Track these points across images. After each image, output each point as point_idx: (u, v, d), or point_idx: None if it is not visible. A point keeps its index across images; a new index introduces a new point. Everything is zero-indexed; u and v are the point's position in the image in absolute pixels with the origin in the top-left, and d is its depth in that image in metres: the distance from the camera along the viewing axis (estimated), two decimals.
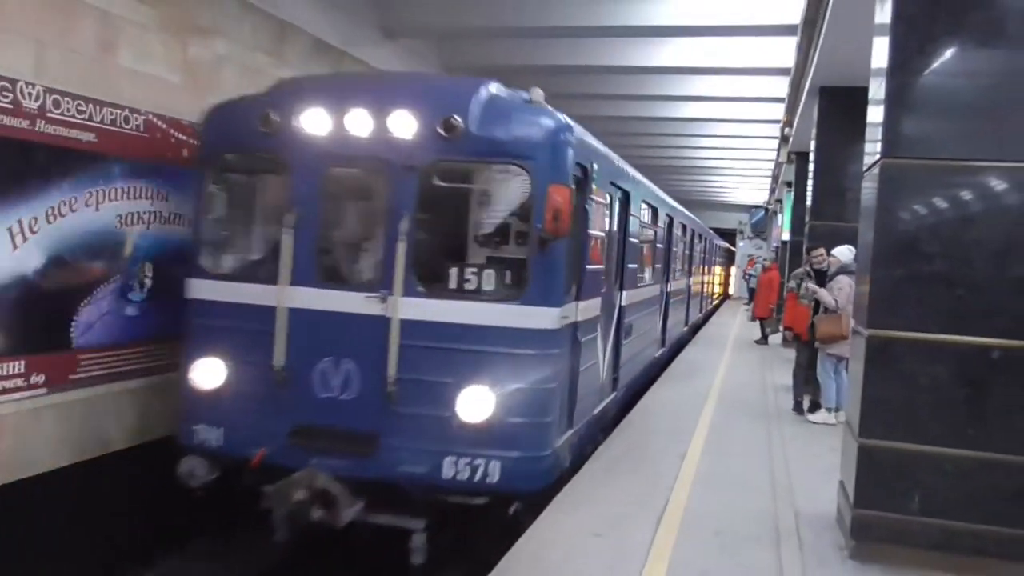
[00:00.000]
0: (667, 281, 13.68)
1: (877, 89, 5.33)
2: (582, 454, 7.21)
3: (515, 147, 5.80)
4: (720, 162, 29.70)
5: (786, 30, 11.72)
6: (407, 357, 5.68)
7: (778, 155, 21.92)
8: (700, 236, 21.42)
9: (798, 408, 9.93)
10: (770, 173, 28.25)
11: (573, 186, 6.00)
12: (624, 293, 9.04)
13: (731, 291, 41.73)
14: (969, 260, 5.01)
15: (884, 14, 5.24)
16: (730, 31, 12.83)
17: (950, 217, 5.08)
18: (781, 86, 15.23)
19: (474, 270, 5.99)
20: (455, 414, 5.59)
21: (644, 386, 11.14)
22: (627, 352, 9.42)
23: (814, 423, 9.40)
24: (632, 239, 9.28)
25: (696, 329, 20.73)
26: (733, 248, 42.04)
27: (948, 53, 5.00)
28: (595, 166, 6.78)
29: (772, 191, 30.38)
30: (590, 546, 5.15)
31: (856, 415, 5.28)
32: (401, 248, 5.71)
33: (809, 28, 10.33)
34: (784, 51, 13.05)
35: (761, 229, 36.22)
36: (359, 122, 5.80)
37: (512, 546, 5.10)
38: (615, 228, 8.57)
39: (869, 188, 5.44)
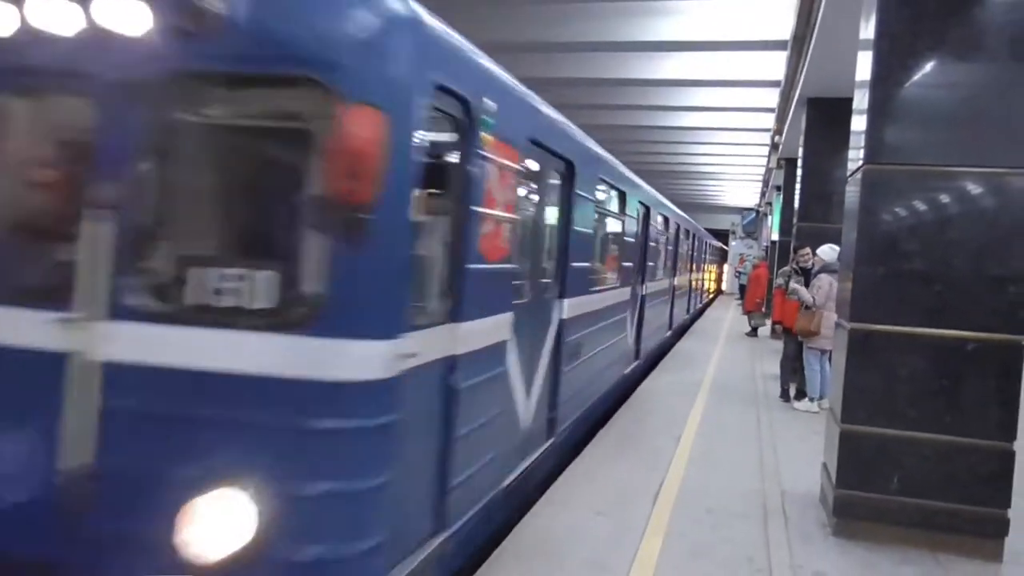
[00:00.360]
0: (642, 282, 10.60)
1: (861, 100, 5.27)
2: (490, 545, 4.63)
3: (308, 46, 3.02)
4: (715, 167, 29.65)
5: (777, 45, 11.66)
6: (110, 429, 3.01)
7: (768, 161, 21.86)
8: (688, 232, 17.99)
9: (785, 396, 9.87)
10: (761, 178, 28.15)
11: (412, 117, 3.20)
12: (567, 302, 6.08)
13: (724, 287, 41.57)
14: (946, 259, 4.96)
15: (868, 31, 5.19)
16: (725, 46, 12.79)
17: (928, 219, 5.02)
18: (772, 97, 15.18)
19: (238, 273, 3.12)
20: (187, 538, 2.88)
21: (607, 412, 8.43)
22: (573, 381, 6.51)
23: (799, 410, 9.34)
24: (581, 229, 6.37)
25: (683, 331, 18.01)
26: (726, 247, 41.86)
27: (928, 66, 4.94)
28: (488, 104, 3.93)
29: (763, 194, 30.27)
30: (593, 523, 5.13)
31: (839, 402, 5.24)
32: (102, 233, 3.06)
33: (798, 44, 10.27)
34: (775, 65, 12.99)
35: (752, 230, 36.04)
36: (52, 12, 3.06)
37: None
38: (548, 213, 5.80)
39: (852, 192, 5.39)
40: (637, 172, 10.66)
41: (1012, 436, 4.87)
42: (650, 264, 11.28)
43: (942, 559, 4.84)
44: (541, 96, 5.52)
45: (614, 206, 8.54)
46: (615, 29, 12.39)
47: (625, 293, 9.15)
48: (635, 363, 10.60)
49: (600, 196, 7.46)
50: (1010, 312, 4.85)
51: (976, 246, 4.91)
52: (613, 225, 8.61)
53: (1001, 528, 4.88)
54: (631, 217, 9.26)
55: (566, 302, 6.11)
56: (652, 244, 11.37)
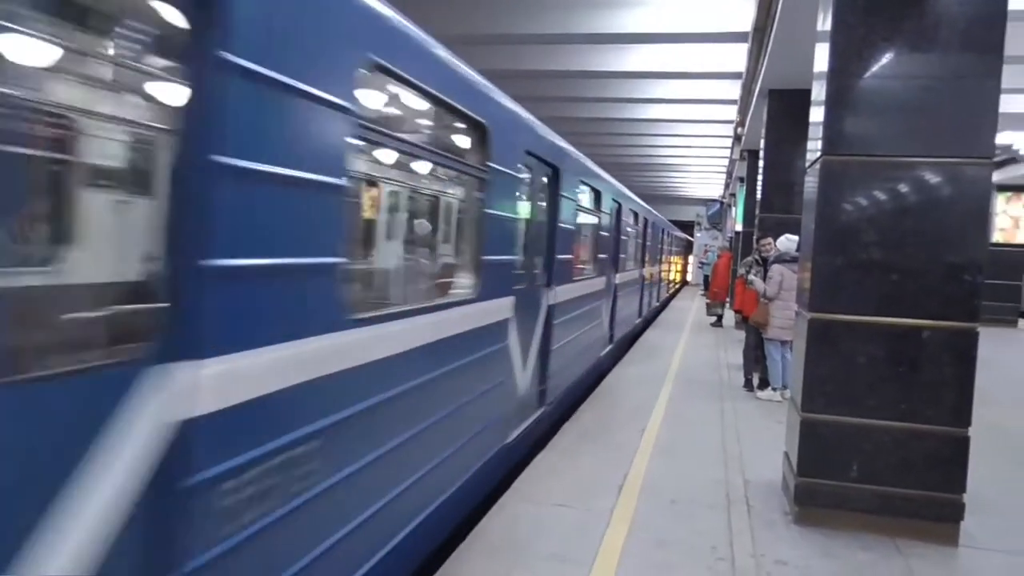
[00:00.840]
0: (549, 284, 6.96)
1: (819, 91, 5.30)
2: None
3: None
4: (679, 159, 29.81)
5: (738, 37, 11.72)
6: None
7: (732, 153, 22.04)
8: (637, 215, 14.40)
9: (748, 385, 9.96)
10: (725, 169, 28.40)
11: None
12: (228, 366, 2.39)
13: (689, 278, 41.89)
14: (903, 248, 5.02)
15: (826, 22, 5.22)
16: (688, 38, 12.84)
17: (885, 209, 5.07)
18: (734, 89, 15.28)
19: None
20: None
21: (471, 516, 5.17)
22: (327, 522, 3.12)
23: (762, 399, 9.43)
24: (337, 182, 2.96)
25: (632, 341, 14.57)
26: (691, 238, 42.17)
27: (883, 58, 4.98)
28: None
29: (727, 186, 30.51)
30: (557, 516, 5.11)
31: (799, 391, 5.28)
32: None
33: (759, 35, 10.31)
34: (737, 57, 13.08)
35: (717, 221, 36.36)
36: None
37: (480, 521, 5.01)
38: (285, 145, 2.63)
39: (811, 183, 5.43)
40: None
41: (967, 422, 4.95)
42: (563, 257, 7.38)
43: (901, 544, 4.91)
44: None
45: (504, 160, 5.13)
46: (578, 21, 12.36)
47: (499, 308, 5.32)
48: (539, 411, 6.94)
49: (448, 131, 4.66)
50: (965, 300, 4.92)
51: (932, 235, 4.98)
52: (455, 197, 5.14)
53: (957, 512, 4.97)
54: (527, 175, 5.88)
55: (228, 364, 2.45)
56: (565, 227, 7.35)
